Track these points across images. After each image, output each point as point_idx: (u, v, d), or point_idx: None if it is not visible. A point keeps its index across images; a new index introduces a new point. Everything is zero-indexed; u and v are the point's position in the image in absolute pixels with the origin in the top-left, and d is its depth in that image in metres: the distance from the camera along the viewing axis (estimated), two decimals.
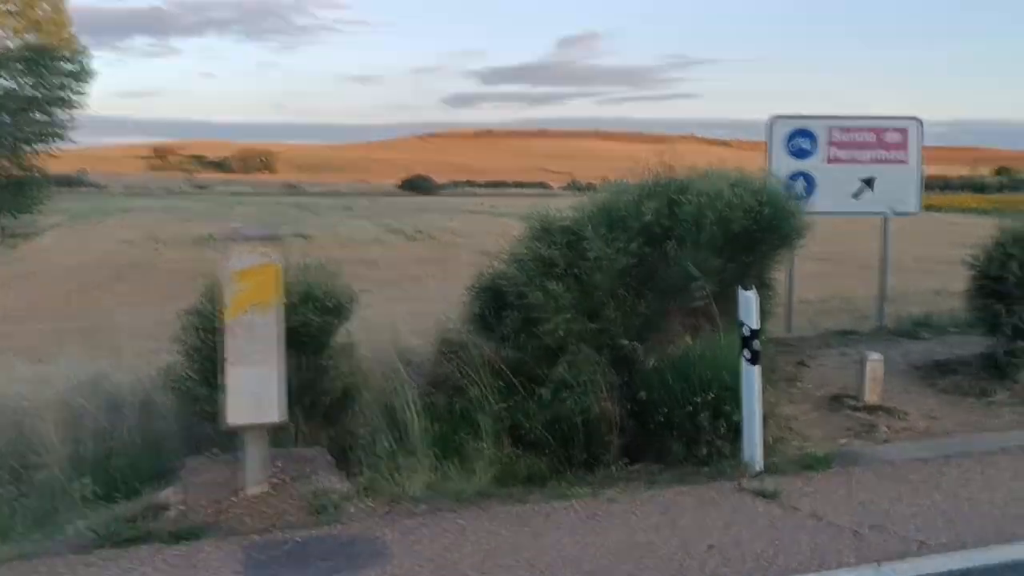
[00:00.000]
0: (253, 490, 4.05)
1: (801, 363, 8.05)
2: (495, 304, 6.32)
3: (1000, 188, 75.69)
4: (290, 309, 5.39)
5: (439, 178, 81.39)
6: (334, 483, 4.31)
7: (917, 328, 10.22)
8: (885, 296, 10.49)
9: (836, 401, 6.57)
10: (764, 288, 6.94)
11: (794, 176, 9.66)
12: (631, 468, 5.21)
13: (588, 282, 5.74)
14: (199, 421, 5.50)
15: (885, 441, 5.47)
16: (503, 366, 5.65)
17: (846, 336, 9.79)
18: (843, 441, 5.49)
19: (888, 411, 6.22)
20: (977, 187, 75.15)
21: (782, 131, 9.87)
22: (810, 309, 12.01)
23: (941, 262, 21.07)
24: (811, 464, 4.61)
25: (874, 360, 6.44)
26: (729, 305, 6.26)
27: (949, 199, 54.90)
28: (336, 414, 5.54)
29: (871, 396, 6.39)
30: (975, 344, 8.24)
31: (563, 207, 6.70)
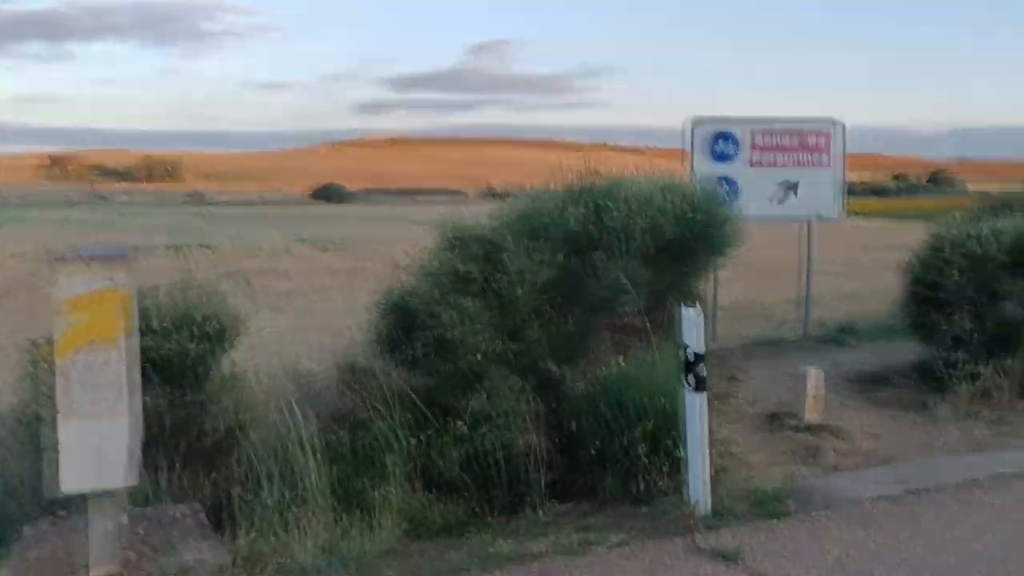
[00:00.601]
0: (98, 571, 3.28)
1: (732, 377, 7.62)
2: (405, 324, 5.64)
3: (898, 192, 78.45)
4: (163, 336, 4.63)
5: (351, 186, 79.72)
6: (205, 553, 3.55)
7: (842, 335, 9.98)
8: (809, 303, 10.24)
9: (775, 420, 6.12)
10: (692, 298, 6.48)
11: (716, 181, 9.26)
12: (560, 509, 4.61)
13: (508, 298, 5.13)
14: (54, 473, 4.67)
15: (834, 468, 5.01)
16: (414, 396, 4.97)
17: (772, 346, 9.48)
18: (790, 468, 5.00)
19: (832, 431, 5.79)
20: (878, 191, 77.74)
21: (703, 134, 9.51)
22: (728, 316, 11.70)
23: (851, 265, 21.34)
24: (763, 502, 4.07)
25: (814, 376, 6.01)
26: (662, 319, 5.74)
27: (852, 204, 56.30)
28: (219, 458, 4.77)
29: (812, 414, 5.96)
30: (905, 352, 7.96)
31: (479, 214, 6.11)
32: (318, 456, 4.55)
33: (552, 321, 5.19)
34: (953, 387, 6.31)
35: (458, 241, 5.68)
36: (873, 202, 52.59)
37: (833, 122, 9.79)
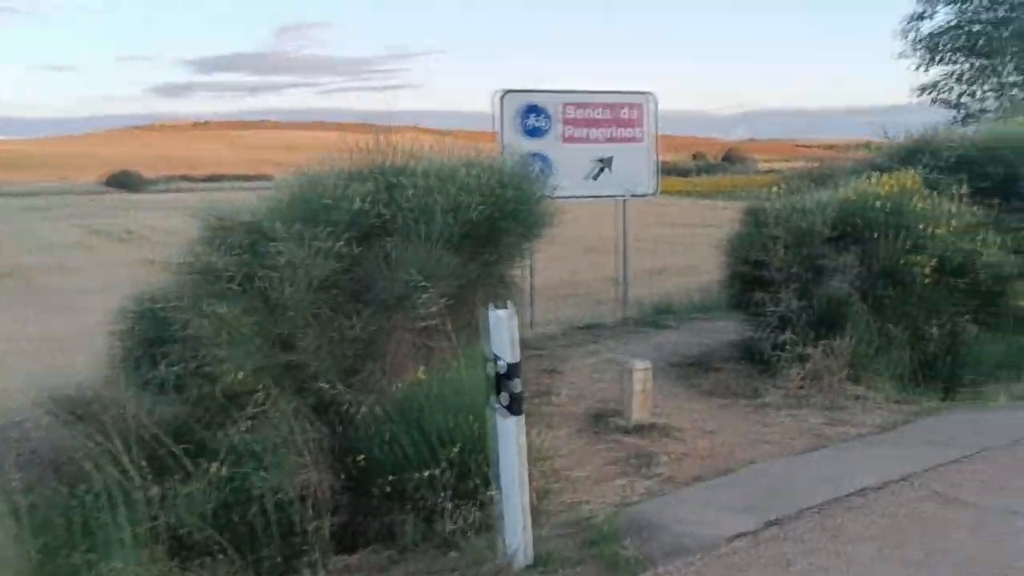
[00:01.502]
0: None
1: (552, 370, 6.97)
2: (154, 337, 4.50)
3: (698, 172, 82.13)
4: None
5: (151, 173, 74.24)
6: None
7: (660, 316, 9.67)
8: (627, 284, 9.84)
9: (600, 421, 5.47)
10: (506, 287, 5.72)
11: (529, 157, 8.57)
12: (349, 562, 3.70)
13: (276, 299, 4.12)
14: None
15: (671, 479, 4.37)
16: (158, 431, 3.86)
17: (592, 330, 8.98)
18: (622, 484, 4.32)
19: (662, 430, 5.20)
20: (681, 172, 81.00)
21: (513, 107, 8.81)
22: (543, 299, 11.18)
23: (659, 242, 21.60)
24: (596, 541, 3.34)
25: (641, 370, 5.38)
26: (471, 316, 4.93)
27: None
28: None
29: (640, 413, 5.34)
30: (727, 332, 7.61)
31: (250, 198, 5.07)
32: (21, 522, 3.40)
33: (334, 326, 4.23)
34: (782, 370, 5.93)
35: (221, 231, 4.62)
36: (674, 180, 54.38)
37: (644, 94, 9.36)
